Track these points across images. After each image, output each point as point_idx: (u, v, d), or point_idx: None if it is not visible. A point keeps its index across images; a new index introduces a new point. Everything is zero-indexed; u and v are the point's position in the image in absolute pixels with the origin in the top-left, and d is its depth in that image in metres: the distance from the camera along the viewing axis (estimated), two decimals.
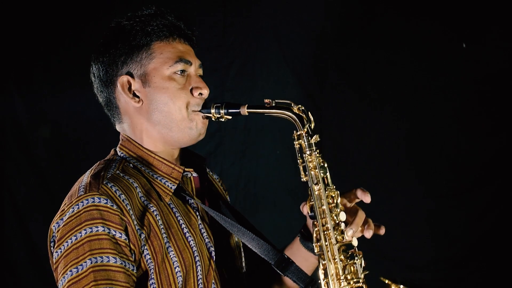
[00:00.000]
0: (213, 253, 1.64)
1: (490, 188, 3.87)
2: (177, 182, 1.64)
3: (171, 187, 1.63)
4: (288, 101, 1.64)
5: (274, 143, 3.86)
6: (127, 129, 1.70)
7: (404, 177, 3.91)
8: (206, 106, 1.67)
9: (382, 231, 1.63)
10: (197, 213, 1.66)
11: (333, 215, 1.60)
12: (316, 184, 1.61)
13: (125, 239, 1.48)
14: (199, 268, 1.59)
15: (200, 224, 1.65)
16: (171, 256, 1.55)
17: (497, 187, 3.87)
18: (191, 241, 1.59)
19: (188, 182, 1.71)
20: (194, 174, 1.72)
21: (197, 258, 1.59)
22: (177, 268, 1.55)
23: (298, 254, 1.74)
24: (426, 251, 3.90)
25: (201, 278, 1.60)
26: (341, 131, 3.86)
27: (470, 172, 3.88)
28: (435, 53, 3.84)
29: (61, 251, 1.47)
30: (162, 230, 1.55)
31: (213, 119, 1.67)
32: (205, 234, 1.65)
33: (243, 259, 1.82)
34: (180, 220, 1.60)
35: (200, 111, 1.66)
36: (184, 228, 1.60)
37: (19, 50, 3.66)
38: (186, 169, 1.69)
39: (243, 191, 3.89)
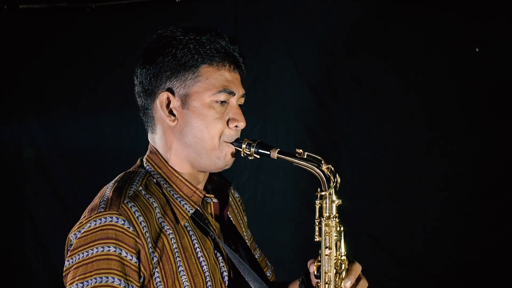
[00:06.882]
0: (226, 278, 1.64)
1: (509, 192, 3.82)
2: (196, 206, 1.64)
3: (188, 211, 1.63)
4: (319, 158, 1.64)
5: None
6: (157, 141, 1.70)
7: (421, 183, 3.87)
8: (238, 139, 1.67)
9: None
10: (213, 237, 1.66)
11: (338, 281, 1.62)
12: (328, 248, 1.64)
13: (136, 262, 1.50)
14: None
15: (215, 249, 1.66)
16: (183, 281, 1.56)
17: None
18: (204, 266, 1.60)
19: (207, 206, 1.71)
20: (215, 200, 1.73)
21: (209, 284, 1.60)
22: None
23: None
24: (446, 258, 3.84)
25: None
26: (356, 139, 3.84)
27: (489, 177, 3.83)
28: (448, 58, 3.81)
29: (72, 262, 1.51)
30: (176, 253, 1.56)
31: (242, 154, 1.66)
32: (220, 258, 1.66)
33: None
34: (196, 244, 1.61)
35: (232, 143, 1.66)
36: (199, 252, 1.61)
37: (32, 79, 3.72)
38: (207, 195, 1.69)
39: (260, 204, 3.89)
